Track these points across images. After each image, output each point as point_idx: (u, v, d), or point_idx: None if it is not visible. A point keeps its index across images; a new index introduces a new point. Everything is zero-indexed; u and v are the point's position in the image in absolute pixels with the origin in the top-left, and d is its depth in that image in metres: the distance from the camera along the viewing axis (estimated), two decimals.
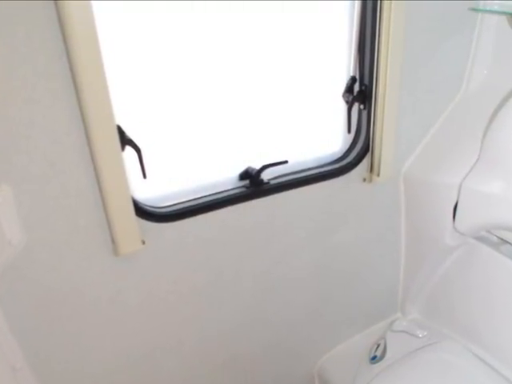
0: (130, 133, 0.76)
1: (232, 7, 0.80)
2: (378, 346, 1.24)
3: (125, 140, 0.75)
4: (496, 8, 0.97)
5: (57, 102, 0.66)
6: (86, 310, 0.82)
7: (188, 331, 0.98)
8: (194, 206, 0.86)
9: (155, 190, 0.85)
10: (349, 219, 1.12)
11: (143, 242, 0.81)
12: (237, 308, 1.03)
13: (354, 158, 1.05)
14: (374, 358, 1.21)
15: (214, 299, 0.98)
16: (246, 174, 0.94)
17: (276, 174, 0.97)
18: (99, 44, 0.64)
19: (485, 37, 1.03)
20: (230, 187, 0.93)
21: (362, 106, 1.02)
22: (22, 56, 0.61)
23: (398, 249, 1.27)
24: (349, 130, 1.04)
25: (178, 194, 0.87)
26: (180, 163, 0.87)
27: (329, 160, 1.06)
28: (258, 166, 0.93)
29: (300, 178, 0.98)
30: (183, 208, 0.85)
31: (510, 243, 1.07)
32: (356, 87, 1.01)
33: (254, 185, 0.93)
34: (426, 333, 1.22)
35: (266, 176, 0.94)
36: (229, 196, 0.90)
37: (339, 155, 1.07)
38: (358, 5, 0.93)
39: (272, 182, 0.95)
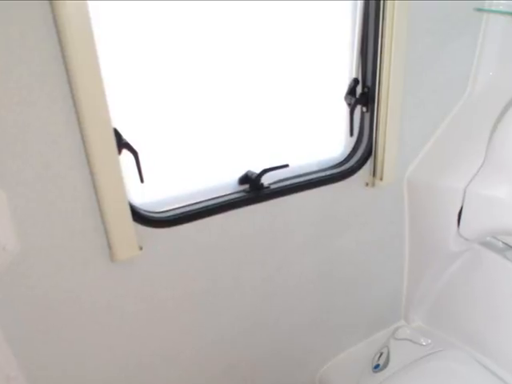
0: (126, 136, 0.75)
1: (232, 9, 0.80)
2: (381, 354, 1.23)
3: (121, 143, 0.74)
4: (502, 8, 0.97)
5: (52, 104, 0.65)
6: (83, 317, 0.81)
7: (186, 339, 0.98)
8: (192, 210, 0.85)
9: (153, 195, 0.85)
10: (351, 225, 1.12)
11: (140, 248, 0.81)
12: (236, 315, 1.03)
13: (357, 162, 1.05)
14: (376, 366, 1.21)
15: (213, 306, 0.98)
16: (246, 178, 0.93)
17: (276, 179, 0.96)
18: (95, 44, 0.64)
19: (490, 37, 1.03)
20: (229, 192, 0.92)
21: (364, 109, 1.02)
22: (17, 57, 0.60)
23: (402, 255, 1.26)
24: (351, 133, 1.03)
25: (176, 199, 0.87)
26: (178, 167, 0.86)
27: (330, 164, 1.05)
28: (257, 170, 0.92)
29: (301, 182, 0.98)
30: (181, 213, 0.85)
31: None
32: (358, 89, 1.00)
33: (253, 189, 0.92)
34: (430, 341, 1.22)
35: (266, 180, 0.94)
36: (228, 201, 0.89)
37: (341, 159, 1.06)
38: (360, 5, 0.92)
39: (272, 186, 0.94)
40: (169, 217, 0.84)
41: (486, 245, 1.11)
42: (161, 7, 0.73)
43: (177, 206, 0.86)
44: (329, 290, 1.17)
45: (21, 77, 0.61)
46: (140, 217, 0.80)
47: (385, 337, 1.30)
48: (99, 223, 0.76)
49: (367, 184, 1.08)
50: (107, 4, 0.69)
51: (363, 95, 1.00)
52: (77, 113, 0.66)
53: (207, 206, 0.87)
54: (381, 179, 1.05)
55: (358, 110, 1.02)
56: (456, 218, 1.05)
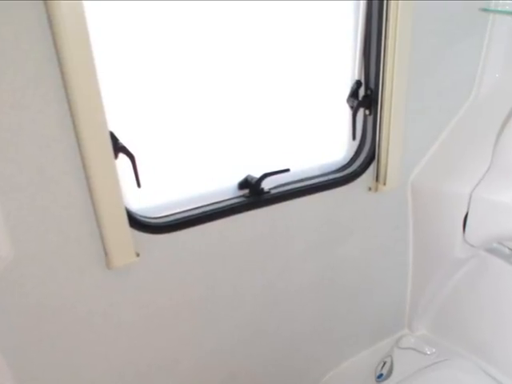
0: (123, 139, 0.75)
1: (233, 10, 0.79)
2: (385, 363, 1.23)
3: (118, 147, 0.74)
4: (508, 8, 0.97)
5: (46, 107, 0.65)
6: (78, 326, 0.81)
7: (184, 348, 0.97)
8: (190, 216, 0.85)
9: (150, 200, 0.84)
10: (353, 230, 1.11)
11: (137, 255, 0.80)
12: (236, 324, 1.02)
13: (359, 166, 1.04)
14: (380, 376, 1.20)
15: (211, 314, 0.97)
16: (246, 183, 0.93)
17: (277, 183, 0.96)
18: (91, 46, 0.63)
19: (496, 38, 1.02)
20: (228, 197, 0.92)
21: (367, 112, 1.01)
22: (10, 58, 0.60)
23: (406, 261, 1.25)
24: (353, 137, 1.03)
25: (173, 204, 0.86)
26: (176, 171, 0.86)
27: (332, 168, 1.05)
28: (258, 175, 0.92)
29: (302, 187, 0.97)
30: (179, 219, 0.84)
31: None
32: (361, 92, 1.00)
33: (253, 194, 0.92)
34: (434, 350, 1.21)
35: (266, 185, 0.93)
36: (227, 206, 0.89)
37: (343, 163, 1.06)
38: (363, 5, 0.92)
39: (273, 191, 0.94)
40: (166, 222, 0.83)
41: (492, 251, 1.10)
42: (158, 7, 0.73)
43: (175, 211, 0.86)
44: (331, 298, 1.16)
45: (14, 79, 0.61)
46: (137, 222, 0.79)
47: (388, 346, 1.30)
48: (95, 229, 0.75)
49: (370, 189, 1.07)
50: (103, 4, 0.68)
51: (366, 98, 0.99)
52: (72, 116, 0.66)
53: (206, 212, 0.87)
54: (384, 184, 1.05)
55: (360, 112, 1.02)
56: (461, 223, 1.04)
